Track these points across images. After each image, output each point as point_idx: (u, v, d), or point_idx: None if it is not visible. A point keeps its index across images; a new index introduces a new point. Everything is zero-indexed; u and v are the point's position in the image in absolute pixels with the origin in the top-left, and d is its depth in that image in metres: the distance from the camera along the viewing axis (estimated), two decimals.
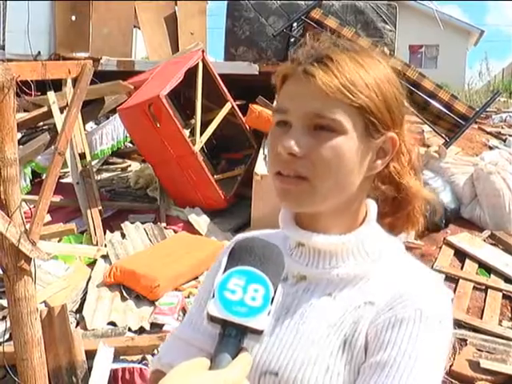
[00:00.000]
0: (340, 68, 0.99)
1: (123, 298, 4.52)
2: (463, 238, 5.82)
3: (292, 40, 7.90)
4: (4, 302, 3.96)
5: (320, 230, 1.06)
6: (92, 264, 5.04)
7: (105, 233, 5.49)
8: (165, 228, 5.69)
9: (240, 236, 1.16)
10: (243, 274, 0.84)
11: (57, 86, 6.09)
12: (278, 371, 1.01)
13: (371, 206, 1.10)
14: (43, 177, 5.84)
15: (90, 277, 4.78)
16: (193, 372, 0.78)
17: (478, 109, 6.74)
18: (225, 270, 0.86)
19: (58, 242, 5.19)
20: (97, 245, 5.30)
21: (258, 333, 0.82)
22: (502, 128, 9.38)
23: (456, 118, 6.42)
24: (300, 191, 1.01)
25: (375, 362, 0.95)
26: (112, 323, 4.21)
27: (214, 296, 0.83)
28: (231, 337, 0.81)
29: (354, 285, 1.05)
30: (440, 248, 5.67)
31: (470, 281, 5.19)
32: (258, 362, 1.04)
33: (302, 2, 8.24)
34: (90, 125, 7.47)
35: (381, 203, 1.11)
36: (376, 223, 1.09)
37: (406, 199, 1.11)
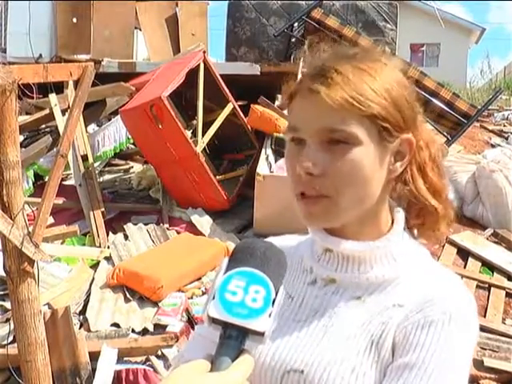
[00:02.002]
0: (345, 79, 0.99)
1: (126, 300, 4.52)
2: (466, 237, 5.81)
3: (293, 40, 7.91)
4: (7, 305, 3.97)
5: (348, 237, 1.07)
6: (95, 266, 5.04)
7: (107, 234, 5.49)
8: (167, 229, 5.69)
9: (270, 239, 1.17)
10: (244, 275, 0.83)
11: (58, 88, 6.10)
12: (304, 369, 1.01)
13: (398, 213, 1.10)
14: (46, 179, 5.84)
15: (93, 278, 4.78)
16: (193, 374, 0.78)
17: (479, 107, 6.74)
18: (226, 271, 0.85)
19: (61, 243, 5.20)
20: (100, 246, 5.30)
21: (260, 334, 0.81)
22: (504, 126, 9.39)
23: (458, 116, 6.42)
24: (324, 210, 1.02)
25: (403, 363, 0.96)
26: (115, 324, 4.22)
27: (214, 297, 0.82)
28: (232, 338, 0.81)
29: (383, 289, 1.05)
30: (443, 247, 5.66)
31: (473, 279, 5.18)
32: (284, 359, 1.04)
33: (303, 2, 8.25)
34: (92, 127, 7.48)
35: (408, 203, 1.11)
36: (402, 229, 1.09)
37: (425, 198, 1.09)
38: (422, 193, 1.08)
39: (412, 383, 0.93)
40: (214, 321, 0.82)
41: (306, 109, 1.02)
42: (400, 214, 1.10)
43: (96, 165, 6.66)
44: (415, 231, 1.13)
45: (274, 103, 6.22)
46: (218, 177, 6.18)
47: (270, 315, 0.81)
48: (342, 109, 0.97)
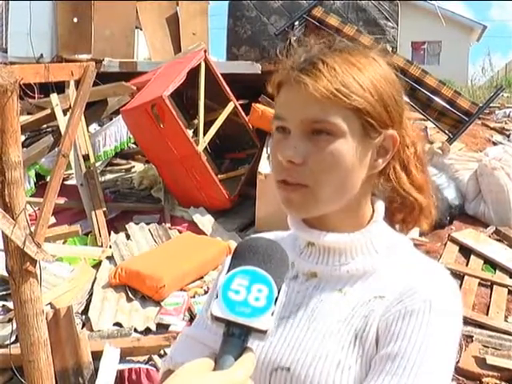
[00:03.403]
0: (332, 71, 1.00)
1: (129, 299, 4.53)
2: (468, 235, 5.81)
3: (294, 39, 7.89)
4: (10, 305, 3.98)
5: (329, 229, 1.07)
6: (97, 265, 5.04)
7: (109, 234, 5.50)
8: (169, 228, 5.69)
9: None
10: (247, 274, 0.84)
11: (60, 88, 6.10)
12: (290, 366, 1.02)
13: (379, 205, 1.11)
14: (47, 179, 5.85)
15: (95, 278, 4.79)
16: (196, 373, 0.78)
17: (481, 104, 6.72)
18: (229, 270, 0.86)
19: (63, 243, 5.20)
20: (102, 246, 5.31)
21: (262, 332, 0.82)
22: (506, 123, 9.37)
23: (459, 114, 6.40)
24: (302, 199, 1.03)
25: (386, 354, 0.97)
26: (118, 324, 4.22)
27: (217, 296, 0.83)
28: (235, 337, 0.82)
29: (363, 280, 1.06)
30: (445, 245, 5.66)
31: (476, 277, 5.18)
32: (270, 357, 1.05)
33: (304, 1, 8.23)
34: (94, 126, 7.48)
35: (390, 199, 1.12)
36: (383, 221, 1.10)
37: (409, 193, 1.10)
38: (406, 188, 1.09)
39: (395, 373, 0.94)
40: (217, 319, 0.83)
41: (292, 99, 1.03)
42: (380, 207, 1.11)
43: (97, 164, 6.66)
44: (397, 226, 1.15)
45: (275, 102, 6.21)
46: (219, 176, 6.18)
47: (272, 314, 0.82)
48: (326, 100, 0.98)
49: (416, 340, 0.96)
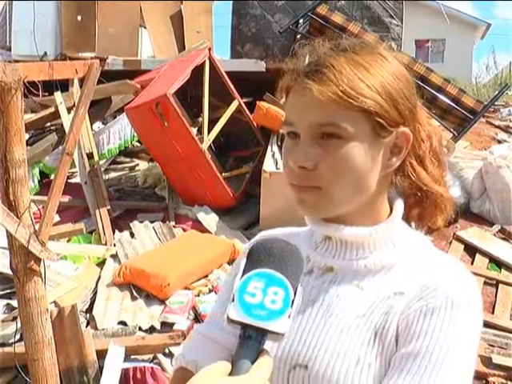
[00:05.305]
0: (337, 74, 0.99)
1: (133, 298, 4.52)
2: (473, 233, 5.79)
3: (298, 36, 7.89)
4: (14, 303, 3.97)
5: (346, 225, 1.07)
6: (101, 264, 5.04)
7: (114, 232, 5.49)
8: (174, 227, 5.69)
9: (263, 233, 1.21)
10: (262, 277, 0.84)
11: (64, 86, 6.10)
12: (308, 364, 1.01)
13: (397, 202, 1.10)
14: (51, 177, 5.85)
15: (99, 276, 4.78)
16: (214, 378, 0.78)
17: (486, 102, 6.71)
18: (244, 272, 0.86)
19: (67, 242, 5.20)
20: (106, 244, 5.30)
21: (279, 335, 0.82)
22: (511, 121, 9.35)
23: (464, 112, 6.40)
24: (315, 200, 1.02)
25: (407, 353, 0.95)
26: (122, 323, 4.21)
27: (233, 299, 0.83)
28: (251, 339, 0.82)
29: (381, 275, 1.05)
30: (450, 243, 5.65)
31: (481, 276, 5.16)
32: (287, 355, 1.04)
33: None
34: (98, 124, 7.47)
35: (406, 195, 1.11)
36: (401, 219, 1.09)
37: (430, 187, 1.09)
38: (426, 182, 1.08)
39: (417, 372, 0.92)
40: (233, 322, 0.83)
41: (299, 104, 1.03)
42: (399, 204, 1.10)
43: (101, 163, 6.65)
44: (413, 224, 1.13)
45: (279, 100, 6.20)
46: (223, 174, 6.17)
47: (289, 316, 0.82)
48: (333, 104, 0.98)
49: (438, 338, 0.94)
